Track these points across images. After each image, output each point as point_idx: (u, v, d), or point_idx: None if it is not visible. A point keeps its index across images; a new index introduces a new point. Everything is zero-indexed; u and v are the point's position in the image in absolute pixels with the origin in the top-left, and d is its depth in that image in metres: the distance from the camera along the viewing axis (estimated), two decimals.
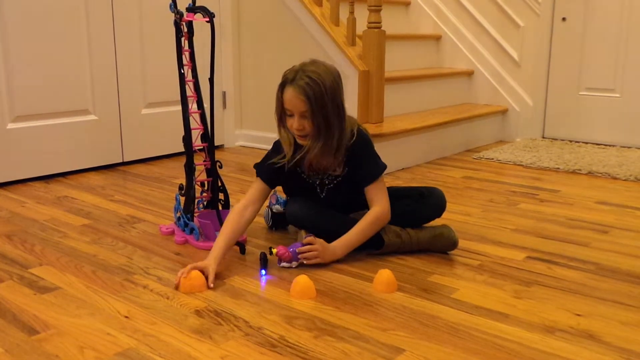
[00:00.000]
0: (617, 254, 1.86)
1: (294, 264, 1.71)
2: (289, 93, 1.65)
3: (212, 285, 1.57)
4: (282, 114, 1.72)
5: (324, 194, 1.83)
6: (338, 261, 1.74)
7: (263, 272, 1.67)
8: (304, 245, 1.70)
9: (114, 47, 2.90)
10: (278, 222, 2.04)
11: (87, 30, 2.79)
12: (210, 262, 1.62)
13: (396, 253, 1.80)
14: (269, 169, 1.80)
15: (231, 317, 1.42)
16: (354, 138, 1.75)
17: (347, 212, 1.85)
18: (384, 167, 1.81)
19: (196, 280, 1.55)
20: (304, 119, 1.66)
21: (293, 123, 1.68)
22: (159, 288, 1.57)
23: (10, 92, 2.57)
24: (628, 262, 1.79)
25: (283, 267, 1.71)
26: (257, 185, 1.81)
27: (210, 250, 1.69)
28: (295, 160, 1.75)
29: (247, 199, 1.79)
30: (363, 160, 1.78)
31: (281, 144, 1.78)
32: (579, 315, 1.44)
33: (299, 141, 1.73)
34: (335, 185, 1.82)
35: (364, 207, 1.81)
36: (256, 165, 1.85)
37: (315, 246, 1.69)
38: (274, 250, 1.70)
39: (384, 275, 1.57)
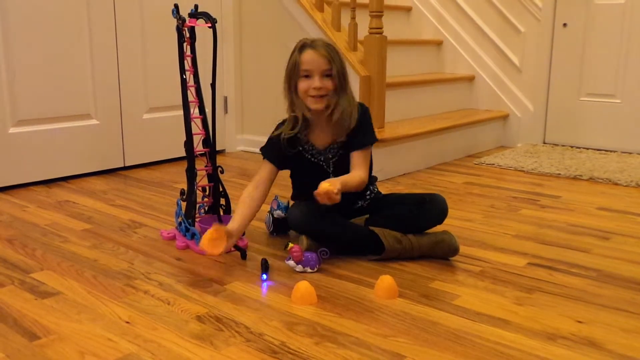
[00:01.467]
0: (618, 260, 1.86)
1: (299, 267, 1.71)
2: (310, 54, 1.74)
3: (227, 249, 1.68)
4: (293, 81, 1.78)
5: (331, 169, 1.86)
6: (339, 267, 1.75)
7: (264, 277, 1.67)
8: (318, 253, 1.73)
9: (115, 51, 2.91)
10: (279, 228, 2.04)
11: (89, 35, 2.79)
12: (229, 228, 1.67)
13: (397, 259, 1.80)
14: (275, 151, 1.84)
15: (232, 322, 1.41)
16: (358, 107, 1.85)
17: (349, 198, 1.86)
18: (376, 140, 1.88)
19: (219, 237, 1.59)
20: (324, 78, 1.74)
21: (312, 83, 1.74)
22: (160, 293, 1.57)
23: (12, 96, 2.58)
24: (630, 269, 1.79)
25: (288, 265, 1.72)
26: (265, 167, 1.85)
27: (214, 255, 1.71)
28: (305, 142, 1.82)
29: (255, 180, 1.84)
30: (362, 127, 1.84)
31: (280, 125, 1.86)
32: (580, 322, 1.44)
33: (315, 105, 1.77)
34: (340, 157, 1.85)
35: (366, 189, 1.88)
36: (262, 149, 1.89)
37: (330, 188, 1.65)
38: (291, 245, 1.70)
39: (385, 281, 1.57)
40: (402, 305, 1.52)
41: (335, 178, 1.74)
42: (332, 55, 1.74)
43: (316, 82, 1.74)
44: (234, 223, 1.73)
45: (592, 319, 1.46)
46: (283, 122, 1.87)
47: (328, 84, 1.75)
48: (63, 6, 2.69)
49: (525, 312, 1.49)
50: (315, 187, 1.68)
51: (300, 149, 1.85)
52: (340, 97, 1.77)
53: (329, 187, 1.63)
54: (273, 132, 1.87)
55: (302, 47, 1.76)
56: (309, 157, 1.85)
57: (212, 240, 1.61)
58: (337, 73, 1.75)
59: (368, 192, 1.93)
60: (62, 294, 1.56)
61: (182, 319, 1.43)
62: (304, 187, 1.87)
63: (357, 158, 1.83)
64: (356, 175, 1.80)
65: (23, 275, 1.68)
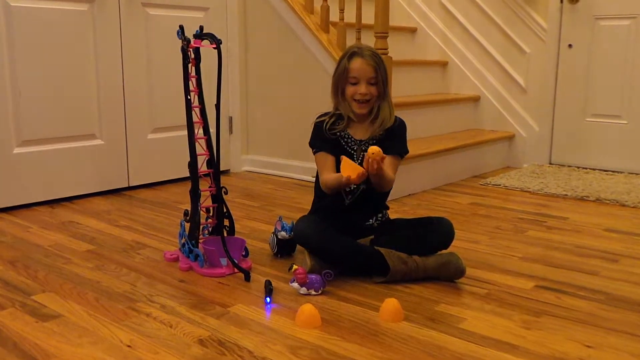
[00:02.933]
0: (627, 283, 1.83)
1: (304, 290, 1.69)
2: (359, 62, 1.85)
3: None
4: (341, 85, 1.88)
5: (359, 161, 1.88)
6: (344, 289, 1.73)
7: (268, 300, 1.65)
8: (323, 275, 1.72)
9: (121, 72, 2.92)
10: (283, 249, 2.02)
11: (94, 55, 2.81)
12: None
13: (402, 281, 1.78)
14: (326, 140, 1.90)
15: (235, 346, 1.39)
16: (397, 119, 1.96)
17: (362, 211, 1.91)
18: (407, 152, 1.98)
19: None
20: (370, 85, 1.85)
21: (358, 89, 1.85)
22: (162, 316, 1.55)
23: (17, 116, 2.59)
24: (638, 292, 1.76)
25: (292, 287, 1.70)
26: (326, 158, 1.90)
27: (218, 276, 1.76)
28: (344, 129, 1.90)
29: (327, 171, 1.88)
30: (398, 136, 1.95)
31: (322, 116, 1.94)
32: (589, 346, 1.42)
33: (359, 109, 1.88)
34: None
35: (379, 208, 1.94)
36: (312, 142, 1.94)
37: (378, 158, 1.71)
38: (295, 267, 1.69)
39: (390, 304, 1.55)
40: (407, 329, 1.49)
41: None
42: (378, 64, 1.85)
43: (362, 88, 1.84)
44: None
45: (601, 343, 1.43)
46: (322, 114, 1.96)
47: (373, 90, 1.86)
48: (69, 26, 2.71)
49: (533, 336, 1.46)
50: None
51: (339, 134, 1.91)
52: (382, 102, 1.89)
53: (378, 151, 1.69)
54: (316, 123, 1.94)
55: (351, 54, 1.86)
56: (344, 144, 1.91)
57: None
58: (381, 81, 1.86)
59: (380, 214, 1.94)
60: (63, 317, 1.54)
61: (185, 342, 1.41)
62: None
63: (388, 161, 1.86)
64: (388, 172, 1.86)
65: (24, 298, 1.66)
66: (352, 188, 1.90)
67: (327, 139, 1.90)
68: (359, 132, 1.92)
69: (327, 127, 1.90)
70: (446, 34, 4.06)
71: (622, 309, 1.64)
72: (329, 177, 1.85)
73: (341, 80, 1.88)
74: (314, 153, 1.93)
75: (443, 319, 1.56)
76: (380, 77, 1.86)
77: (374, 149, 1.70)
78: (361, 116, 1.90)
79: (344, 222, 1.87)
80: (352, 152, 1.90)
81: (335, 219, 1.87)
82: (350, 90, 1.87)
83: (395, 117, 1.95)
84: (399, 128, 1.95)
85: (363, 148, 1.89)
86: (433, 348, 1.40)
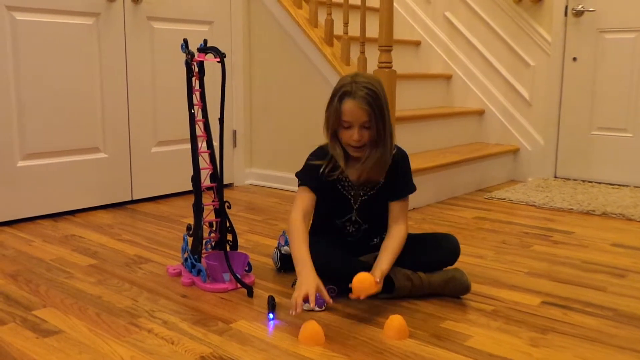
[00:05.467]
0: (635, 299, 1.81)
1: (307, 306, 1.67)
2: (350, 104, 1.67)
3: (331, 301, 1.60)
4: (332, 126, 1.72)
5: (357, 206, 1.82)
6: (348, 305, 1.70)
7: (271, 316, 1.63)
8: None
9: (125, 85, 2.92)
10: (287, 264, 2.00)
11: (99, 68, 2.81)
12: (315, 280, 1.59)
13: (407, 297, 1.76)
14: (314, 178, 1.78)
15: None
16: (395, 150, 1.80)
17: (365, 236, 1.85)
18: (415, 189, 1.85)
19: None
20: (363, 129, 1.68)
21: (352, 134, 1.69)
22: (164, 332, 1.54)
23: (21, 129, 2.58)
24: None
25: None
26: (306, 194, 1.78)
27: (220, 291, 1.72)
28: (340, 172, 1.77)
29: (301, 209, 1.75)
30: (402, 175, 1.81)
31: (319, 152, 1.80)
32: None
33: (354, 153, 1.74)
34: (369, 197, 1.82)
35: (385, 228, 1.82)
36: (300, 175, 1.82)
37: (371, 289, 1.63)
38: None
39: (395, 321, 1.53)
40: (412, 347, 1.47)
41: (380, 261, 1.70)
42: (372, 105, 1.66)
43: (355, 134, 1.68)
44: (311, 271, 1.62)
45: None
46: (320, 148, 1.82)
47: (366, 135, 1.69)
48: (74, 40, 2.71)
49: (540, 354, 1.44)
50: (338, 217, 1.72)
51: (336, 177, 1.81)
52: (375, 148, 1.72)
53: (370, 285, 1.60)
54: (310, 158, 1.82)
55: (342, 95, 1.68)
56: (340, 187, 1.82)
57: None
58: (377, 123, 1.68)
59: (385, 232, 1.90)
60: (64, 333, 1.53)
61: (186, 359, 1.39)
62: (325, 217, 1.87)
63: (397, 209, 1.79)
64: (399, 235, 1.76)
65: (25, 313, 1.65)
66: (353, 229, 1.85)
67: (317, 179, 1.78)
68: (356, 172, 1.79)
69: (325, 172, 1.77)
70: (450, 47, 4.06)
71: (631, 325, 1.61)
72: (298, 236, 1.68)
73: (333, 121, 1.71)
74: (298, 185, 1.82)
75: (449, 336, 1.53)
76: (376, 120, 1.67)
77: (361, 288, 1.58)
78: (357, 157, 1.77)
79: (347, 242, 1.85)
80: (350, 197, 1.82)
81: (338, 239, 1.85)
82: (344, 135, 1.71)
83: (398, 151, 1.81)
84: (402, 164, 1.82)
85: (361, 193, 1.81)
86: None
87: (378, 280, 1.63)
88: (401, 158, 1.82)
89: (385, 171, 1.77)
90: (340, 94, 1.69)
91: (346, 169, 1.78)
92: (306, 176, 1.81)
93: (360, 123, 1.68)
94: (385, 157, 1.74)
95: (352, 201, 1.82)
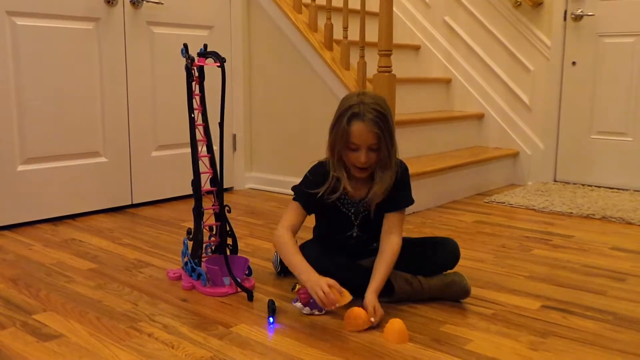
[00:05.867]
0: (635, 303, 1.81)
1: (307, 309, 1.67)
2: (359, 127, 1.64)
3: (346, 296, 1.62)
4: (338, 146, 1.69)
5: (358, 222, 1.81)
6: (347, 308, 1.70)
7: (271, 320, 1.63)
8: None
9: (125, 90, 2.92)
10: (287, 268, 2.00)
11: (99, 73, 2.82)
12: (324, 278, 1.62)
13: (407, 301, 1.76)
14: (309, 197, 1.77)
15: None
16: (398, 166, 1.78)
17: (367, 242, 1.84)
18: (413, 202, 1.82)
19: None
20: (370, 151, 1.67)
21: (359, 157, 1.67)
22: (164, 336, 1.54)
23: (21, 134, 2.59)
24: None
25: (295, 307, 1.69)
26: (297, 211, 1.78)
27: (220, 295, 1.73)
28: (337, 196, 1.75)
29: (288, 225, 1.76)
30: (401, 188, 1.78)
31: (320, 170, 1.77)
32: None
33: (358, 174, 1.72)
34: (369, 212, 1.80)
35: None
36: (296, 189, 1.81)
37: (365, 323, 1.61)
38: (298, 287, 1.67)
39: (395, 325, 1.53)
40: (412, 351, 1.47)
41: (373, 278, 1.68)
42: (381, 128, 1.63)
43: (362, 157, 1.66)
44: (313, 273, 1.65)
45: None
46: (321, 165, 1.78)
47: (373, 157, 1.68)
48: (74, 45, 2.72)
49: (540, 358, 1.44)
50: (339, 233, 1.73)
51: (338, 202, 1.79)
52: (384, 171, 1.70)
53: (364, 323, 1.58)
54: (310, 176, 1.79)
55: (351, 116, 1.64)
56: (340, 205, 1.80)
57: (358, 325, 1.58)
58: (385, 145, 1.66)
59: None
60: (64, 337, 1.53)
61: None
62: (326, 234, 1.88)
63: (392, 220, 1.76)
64: (392, 248, 1.73)
65: (25, 317, 1.65)
66: (353, 242, 1.84)
67: (312, 199, 1.75)
68: (357, 190, 1.77)
69: (325, 194, 1.75)
70: (450, 51, 4.07)
71: (631, 329, 1.62)
72: (288, 249, 1.70)
73: (340, 143, 1.68)
74: (293, 198, 1.80)
75: (449, 340, 1.53)
76: (385, 142, 1.66)
77: (355, 324, 1.57)
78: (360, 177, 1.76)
79: (349, 246, 1.85)
80: (350, 214, 1.81)
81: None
82: (350, 156, 1.69)
83: (399, 165, 1.78)
84: (402, 178, 1.78)
85: (361, 209, 1.80)
86: None
87: (373, 320, 1.59)
88: (403, 171, 1.79)
89: (389, 191, 1.74)
90: (349, 116, 1.65)
91: (349, 184, 1.75)
92: (303, 193, 1.79)
93: (368, 145, 1.66)
94: (392, 180, 1.72)
95: (352, 218, 1.81)
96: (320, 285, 1.60)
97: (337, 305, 1.59)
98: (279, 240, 1.74)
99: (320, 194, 1.75)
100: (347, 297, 1.62)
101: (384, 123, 1.64)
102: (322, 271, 1.68)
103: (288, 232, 1.74)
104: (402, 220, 1.79)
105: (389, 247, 1.73)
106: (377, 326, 1.59)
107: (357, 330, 1.57)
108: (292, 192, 1.83)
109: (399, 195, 1.78)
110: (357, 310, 1.59)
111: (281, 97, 3.38)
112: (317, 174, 1.78)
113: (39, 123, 2.63)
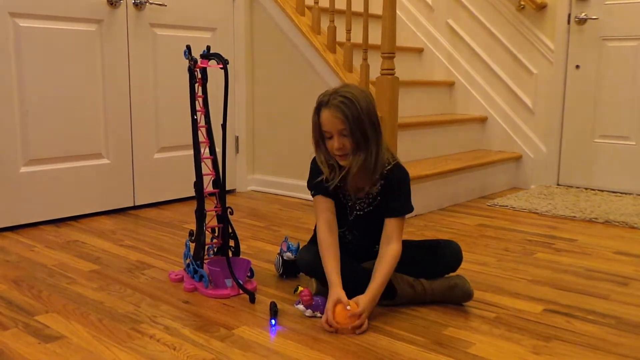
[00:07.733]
0: (638, 307, 1.80)
1: (309, 312, 1.67)
2: (325, 114, 1.68)
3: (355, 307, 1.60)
4: (319, 139, 1.73)
5: (351, 218, 1.81)
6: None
7: (273, 322, 1.62)
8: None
9: (128, 91, 2.93)
10: (289, 270, 2.00)
11: (102, 74, 2.82)
12: (340, 292, 1.62)
13: (410, 304, 1.76)
14: (321, 183, 1.78)
15: None
16: (392, 166, 1.76)
17: (366, 244, 1.83)
18: (413, 208, 1.81)
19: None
20: (343, 137, 1.67)
21: (333, 144, 1.69)
22: (165, 338, 1.53)
23: (24, 135, 2.59)
24: None
25: (297, 309, 1.68)
26: (324, 204, 1.78)
27: (222, 297, 1.72)
28: (336, 181, 1.75)
29: (324, 221, 1.76)
30: (399, 193, 1.77)
31: (318, 169, 1.78)
32: None
33: (341, 162, 1.73)
34: (365, 213, 1.80)
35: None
36: (309, 186, 1.83)
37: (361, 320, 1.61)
38: (300, 289, 1.66)
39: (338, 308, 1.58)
40: (414, 353, 1.47)
41: (369, 287, 1.67)
42: (345, 113, 1.64)
43: (335, 143, 1.68)
44: (337, 285, 1.65)
45: None
46: (314, 158, 1.82)
47: (347, 143, 1.68)
48: (77, 47, 2.72)
49: None
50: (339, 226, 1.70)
51: (338, 190, 1.80)
52: (357, 155, 1.69)
53: (350, 320, 1.58)
54: (314, 172, 1.81)
55: (318, 106, 1.70)
56: (341, 196, 1.81)
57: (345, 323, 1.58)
58: (352, 131, 1.66)
59: None
60: (66, 338, 1.52)
61: None
62: None
63: (391, 226, 1.75)
64: (390, 256, 1.70)
65: (27, 318, 1.65)
66: (350, 237, 1.84)
67: (326, 186, 1.77)
68: (351, 185, 1.76)
69: (325, 181, 1.76)
70: (453, 54, 4.06)
71: (634, 333, 1.61)
72: (328, 254, 1.71)
73: (316, 133, 1.73)
74: (312, 195, 1.81)
75: (451, 343, 1.53)
76: (352, 127, 1.65)
77: (341, 317, 1.58)
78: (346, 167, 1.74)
79: (349, 248, 1.85)
80: (347, 207, 1.81)
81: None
82: (328, 145, 1.71)
83: (397, 167, 1.78)
84: (400, 182, 1.78)
85: (357, 207, 1.80)
86: None
87: (349, 307, 1.59)
88: (402, 176, 1.79)
89: (371, 177, 1.73)
90: (317, 106, 1.71)
91: (338, 179, 1.75)
92: (316, 185, 1.80)
93: (338, 131, 1.67)
94: (368, 163, 1.69)
95: (347, 212, 1.81)
96: (328, 307, 1.61)
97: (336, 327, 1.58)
98: (320, 245, 1.74)
99: (322, 179, 1.76)
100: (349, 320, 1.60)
101: (349, 108, 1.65)
102: (322, 270, 1.70)
103: (327, 230, 1.74)
104: (402, 227, 1.77)
105: (387, 254, 1.71)
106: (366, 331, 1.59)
107: (343, 325, 1.57)
108: (309, 192, 1.83)
109: (398, 202, 1.76)
110: (342, 307, 1.59)
111: (284, 100, 3.38)
112: (315, 163, 1.81)
113: (41, 124, 2.64)
